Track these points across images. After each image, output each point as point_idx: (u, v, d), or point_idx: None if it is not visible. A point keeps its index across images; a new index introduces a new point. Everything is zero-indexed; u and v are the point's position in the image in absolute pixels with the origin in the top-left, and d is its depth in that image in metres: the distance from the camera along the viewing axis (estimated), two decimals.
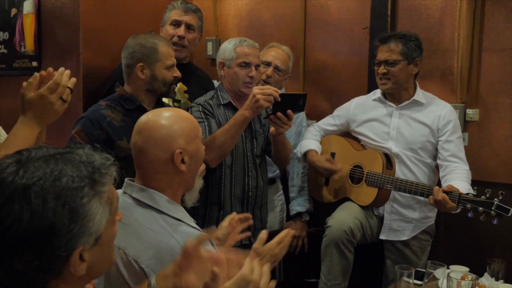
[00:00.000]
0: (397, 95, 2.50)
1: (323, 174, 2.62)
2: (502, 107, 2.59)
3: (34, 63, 2.88)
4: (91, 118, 2.06)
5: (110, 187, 0.93)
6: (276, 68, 2.64)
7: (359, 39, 2.90)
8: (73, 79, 1.48)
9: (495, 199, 2.07)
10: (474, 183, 2.56)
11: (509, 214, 2.04)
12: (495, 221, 2.07)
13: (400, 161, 2.45)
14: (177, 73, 2.18)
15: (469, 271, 2.01)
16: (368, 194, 2.46)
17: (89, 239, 0.87)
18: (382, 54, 2.44)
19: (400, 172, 2.44)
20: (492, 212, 2.06)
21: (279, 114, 2.12)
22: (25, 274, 0.84)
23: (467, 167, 2.38)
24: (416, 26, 2.75)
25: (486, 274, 2.01)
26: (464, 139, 2.64)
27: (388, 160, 2.44)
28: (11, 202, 0.82)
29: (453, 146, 2.38)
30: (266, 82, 2.61)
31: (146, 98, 2.17)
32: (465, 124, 2.65)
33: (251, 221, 1.59)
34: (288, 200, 2.89)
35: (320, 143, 2.70)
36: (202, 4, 3.32)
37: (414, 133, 2.44)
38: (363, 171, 2.50)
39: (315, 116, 3.04)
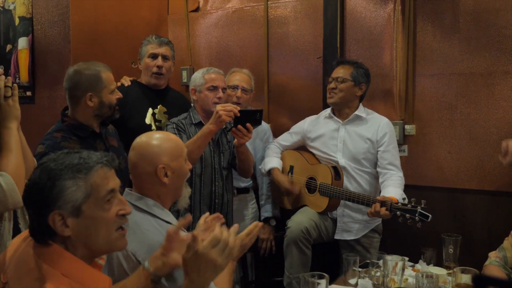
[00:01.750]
0: (342, 112, 2.88)
1: (283, 191, 3.00)
2: (434, 123, 3.02)
3: (28, 93, 3.21)
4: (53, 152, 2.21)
5: (94, 179, 1.27)
6: (243, 90, 3.00)
7: (314, 66, 3.30)
8: (9, 78, 1.78)
9: (418, 207, 2.35)
10: (413, 187, 2.99)
11: (429, 220, 2.34)
12: (419, 225, 2.38)
13: (347, 173, 2.82)
14: (119, 95, 2.38)
15: (408, 260, 2.32)
16: (321, 202, 2.83)
17: (65, 205, 1.23)
18: (336, 73, 2.85)
19: (348, 183, 2.81)
20: (416, 217, 2.35)
21: (239, 127, 2.49)
22: (36, 228, 1.25)
23: (401, 174, 2.76)
24: (361, 54, 3.19)
25: (420, 261, 2.34)
26: (404, 151, 3.08)
27: (336, 172, 2.81)
28: (36, 169, 1.27)
29: (390, 155, 2.77)
30: (237, 103, 2.95)
31: (94, 122, 2.34)
32: (405, 138, 3.07)
33: (223, 220, 1.91)
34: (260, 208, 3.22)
35: (281, 158, 3.08)
36: (177, 37, 3.74)
37: (357, 145, 2.82)
38: (317, 183, 2.87)
39: (279, 132, 3.34)
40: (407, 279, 2.17)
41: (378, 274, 2.05)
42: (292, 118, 3.39)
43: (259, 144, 3.19)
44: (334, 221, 2.89)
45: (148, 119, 2.85)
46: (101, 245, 1.31)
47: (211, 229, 1.93)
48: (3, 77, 1.75)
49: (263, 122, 3.19)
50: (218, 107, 2.48)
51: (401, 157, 3.05)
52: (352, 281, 2.18)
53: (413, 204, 2.39)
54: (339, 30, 3.20)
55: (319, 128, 2.97)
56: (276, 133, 3.40)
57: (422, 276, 2.00)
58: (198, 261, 1.37)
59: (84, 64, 2.32)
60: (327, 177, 2.81)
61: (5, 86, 1.75)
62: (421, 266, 2.33)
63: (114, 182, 1.32)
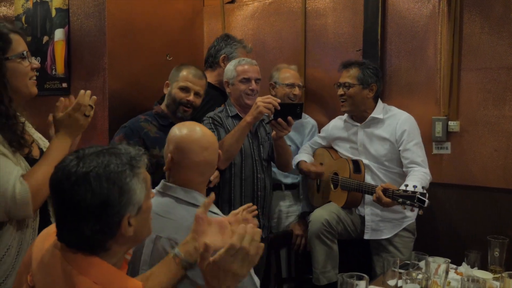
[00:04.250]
0: (359, 116, 2.84)
1: (313, 178, 2.97)
2: (479, 119, 2.89)
3: (64, 85, 3.23)
4: (132, 128, 2.46)
5: (143, 170, 1.23)
6: (299, 87, 3.04)
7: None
8: (94, 98, 1.77)
9: (418, 192, 2.29)
10: (456, 187, 2.89)
11: (425, 205, 2.27)
12: (420, 212, 2.32)
13: (372, 172, 2.76)
14: (190, 97, 2.51)
15: (450, 262, 2.25)
16: (342, 196, 2.80)
17: (133, 208, 1.18)
18: (342, 78, 2.82)
19: (373, 181, 2.73)
20: (416, 204, 2.29)
21: (279, 120, 2.46)
22: (90, 237, 1.15)
23: (425, 169, 2.64)
24: (403, 48, 3.08)
25: (464, 264, 2.26)
26: (447, 148, 2.96)
27: (356, 165, 2.77)
28: (77, 185, 1.13)
29: (410, 153, 2.67)
30: (292, 100, 3.01)
31: (174, 118, 2.51)
32: (448, 135, 2.94)
33: (256, 212, 1.86)
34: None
35: (313, 155, 3.07)
36: (212, 29, 3.70)
37: (377, 148, 2.76)
38: (339, 177, 2.84)
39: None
40: (450, 282, 2.09)
41: (420, 276, 1.95)
42: (329, 114, 3.33)
43: (305, 139, 3.20)
44: (362, 218, 2.83)
45: None
46: (146, 234, 1.29)
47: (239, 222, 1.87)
48: (89, 92, 1.75)
49: (310, 118, 3.20)
50: (258, 99, 2.46)
51: (443, 155, 2.97)
52: (392, 282, 2.12)
53: (413, 190, 2.32)
54: (380, 21, 3.09)
55: (340, 131, 2.96)
56: None
57: (468, 280, 1.90)
58: (216, 270, 1.29)
59: (184, 64, 2.62)
60: (346, 170, 2.79)
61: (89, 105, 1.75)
62: (464, 269, 2.25)
63: None
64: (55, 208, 1.18)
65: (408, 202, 2.32)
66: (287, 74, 3.04)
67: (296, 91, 3.01)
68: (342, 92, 2.80)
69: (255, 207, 1.83)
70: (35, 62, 1.76)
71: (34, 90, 1.76)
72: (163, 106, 2.58)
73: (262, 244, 1.34)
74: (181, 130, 1.75)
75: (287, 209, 3.11)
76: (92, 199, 1.12)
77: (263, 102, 2.42)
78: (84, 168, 1.14)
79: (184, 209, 1.67)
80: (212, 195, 1.55)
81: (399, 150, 2.71)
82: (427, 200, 2.28)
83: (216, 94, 2.92)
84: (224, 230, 1.38)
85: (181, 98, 2.50)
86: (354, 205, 2.81)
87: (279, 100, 2.45)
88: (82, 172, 1.14)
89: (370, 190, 2.58)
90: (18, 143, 1.66)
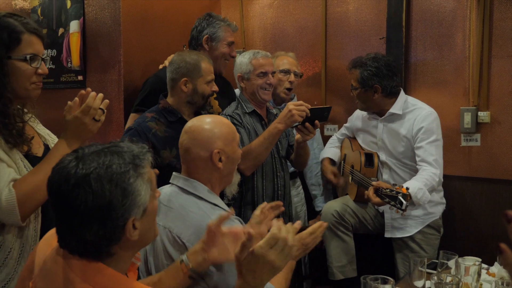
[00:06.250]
0: (376, 111, 2.74)
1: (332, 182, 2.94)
2: (511, 109, 2.75)
3: (80, 77, 3.18)
4: (139, 130, 2.26)
5: (148, 169, 1.15)
6: (295, 74, 2.92)
7: (376, 49, 3.07)
8: (106, 101, 1.65)
9: (400, 193, 2.23)
10: (486, 180, 2.77)
11: (403, 208, 2.21)
12: (403, 215, 2.30)
13: (389, 168, 2.68)
14: (215, 88, 2.40)
15: (481, 262, 2.15)
16: (353, 190, 2.75)
17: (138, 210, 1.10)
18: (351, 80, 2.74)
19: (390, 178, 2.66)
20: (397, 205, 2.24)
21: (307, 124, 2.36)
22: (93, 242, 1.07)
23: (434, 170, 2.50)
24: (429, 35, 2.95)
25: (496, 264, 2.13)
26: (476, 140, 2.83)
27: (369, 159, 2.69)
28: (77, 188, 1.04)
29: (422, 151, 2.54)
30: (289, 89, 2.89)
31: (186, 110, 2.36)
32: (477, 126, 2.82)
33: (282, 208, 1.79)
34: (309, 197, 3.15)
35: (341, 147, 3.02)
36: (230, 19, 3.55)
37: (395, 144, 2.66)
38: (353, 170, 2.77)
39: (336, 120, 3.27)
40: (482, 285, 1.97)
41: (450, 279, 1.84)
42: (351, 105, 3.20)
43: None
44: (381, 214, 2.75)
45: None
46: (151, 237, 1.21)
47: (267, 220, 1.79)
48: (101, 95, 1.64)
49: None
50: (291, 105, 2.34)
51: (472, 147, 2.86)
52: (419, 283, 2.00)
53: (397, 191, 2.27)
54: (405, 7, 2.97)
55: (362, 122, 2.89)
56: (333, 121, 3.29)
57: (503, 283, 1.78)
58: (254, 262, 1.24)
59: (189, 52, 2.44)
60: (358, 163, 2.73)
61: (100, 108, 1.64)
62: (497, 269, 2.12)
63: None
64: (55, 213, 1.10)
65: (392, 202, 2.28)
66: (284, 61, 2.95)
67: (292, 78, 2.91)
68: (352, 94, 2.76)
69: (281, 203, 1.78)
70: (43, 68, 1.65)
71: (35, 94, 1.66)
72: (170, 100, 2.39)
73: (300, 236, 1.35)
74: (193, 121, 1.75)
75: (293, 199, 3.02)
76: (94, 202, 1.04)
77: (297, 110, 2.31)
78: (84, 169, 1.06)
79: (184, 198, 1.65)
80: (232, 210, 1.52)
81: (414, 147, 2.61)
82: (405, 202, 2.23)
83: None
84: (238, 242, 1.30)
85: (209, 92, 2.39)
86: (363, 200, 2.70)
87: (309, 106, 2.35)
88: (82, 173, 1.05)
89: (368, 186, 2.50)
90: (15, 142, 1.59)
